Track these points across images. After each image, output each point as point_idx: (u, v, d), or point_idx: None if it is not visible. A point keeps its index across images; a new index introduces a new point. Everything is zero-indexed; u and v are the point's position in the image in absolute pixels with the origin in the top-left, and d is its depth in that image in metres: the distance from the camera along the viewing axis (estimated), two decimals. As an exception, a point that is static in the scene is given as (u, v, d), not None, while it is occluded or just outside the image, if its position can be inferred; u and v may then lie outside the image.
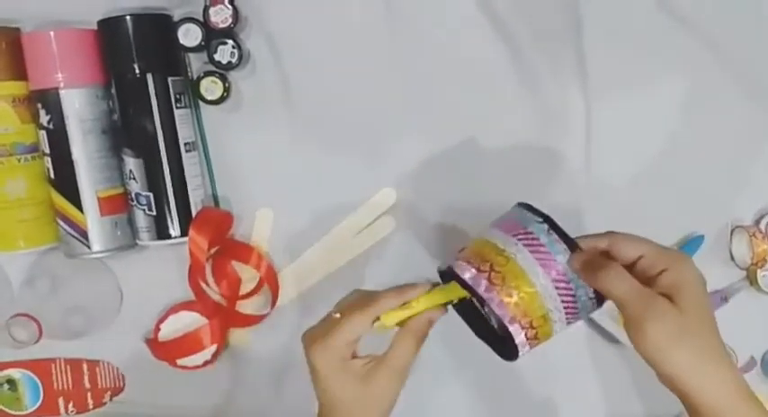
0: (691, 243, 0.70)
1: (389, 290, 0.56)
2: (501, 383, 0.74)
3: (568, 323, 0.54)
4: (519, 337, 0.53)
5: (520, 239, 0.53)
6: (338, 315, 0.56)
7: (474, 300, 0.55)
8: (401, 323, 0.56)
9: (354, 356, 0.56)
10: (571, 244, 0.52)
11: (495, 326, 0.55)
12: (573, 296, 0.53)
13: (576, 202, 0.71)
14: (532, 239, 0.53)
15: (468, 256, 0.55)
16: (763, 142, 0.72)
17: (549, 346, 0.69)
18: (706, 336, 0.50)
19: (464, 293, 0.55)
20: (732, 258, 0.72)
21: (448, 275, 0.56)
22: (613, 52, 0.70)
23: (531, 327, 0.53)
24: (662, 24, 0.70)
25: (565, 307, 0.53)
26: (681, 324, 0.49)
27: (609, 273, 0.51)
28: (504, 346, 0.55)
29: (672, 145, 0.71)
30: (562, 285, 0.52)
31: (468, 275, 0.53)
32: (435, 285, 0.57)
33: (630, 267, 0.52)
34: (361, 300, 0.56)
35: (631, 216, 0.70)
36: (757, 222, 0.72)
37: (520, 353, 0.54)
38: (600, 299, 0.54)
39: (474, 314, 0.59)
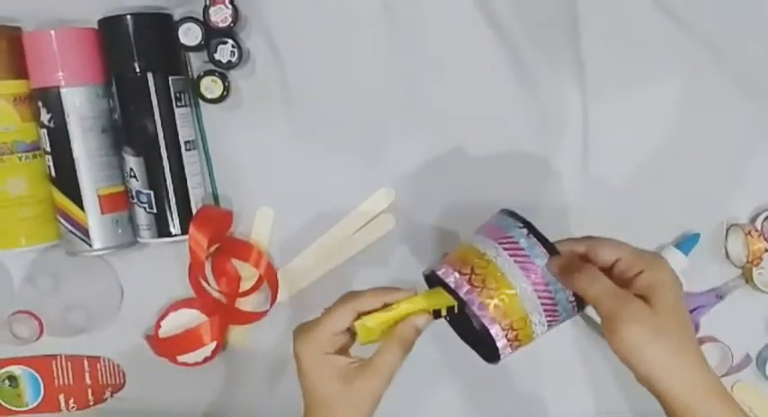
0: (686, 242, 0.71)
1: (372, 289, 0.57)
2: (491, 381, 0.74)
3: (549, 326, 0.55)
4: (499, 339, 0.54)
5: (500, 243, 0.54)
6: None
7: (457, 306, 0.56)
8: (385, 334, 0.56)
9: (341, 353, 0.56)
10: (550, 248, 0.53)
11: (478, 328, 0.56)
12: (552, 298, 0.54)
13: (573, 201, 0.71)
14: (512, 243, 0.54)
15: (451, 260, 0.56)
16: (759, 141, 0.72)
17: (538, 345, 0.70)
18: (680, 337, 0.50)
19: (447, 300, 0.56)
20: (728, 256, 0.73)
21: (432, 278, 0.57)
22: (611, 52, 0.70)
23: (512, 329, 0.54)
24: (659, 24, 0.70)
25: (545, 310, 0.54)
26: (655, 325, 0.49)
27: (584, 275, 0.52)
28: (488, 348, 0.55)
29: (668, 144, 0.71)
30: (541, 288, 0.53)
31: (450, 278, 0.54)
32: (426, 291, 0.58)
33: (609, 270, 0.53)
34: (345, 296, 0.57)
35: (628, 214, 0.70)
36: (753, 220, 0.72)
37: (501, 355, 0.55)
38: (580, 303, 0.54)
39: (461, 319, 0.59)
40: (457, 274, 0.54)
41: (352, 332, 0.57)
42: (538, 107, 0.71)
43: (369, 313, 0.56)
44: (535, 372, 0.74)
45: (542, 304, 0.53)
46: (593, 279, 0.51)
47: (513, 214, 0.56)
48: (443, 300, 0.56)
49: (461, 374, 0.75)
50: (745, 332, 0.74)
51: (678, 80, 0.71)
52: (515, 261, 0.53)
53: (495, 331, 0.53)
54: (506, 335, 0.54)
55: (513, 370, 0.74)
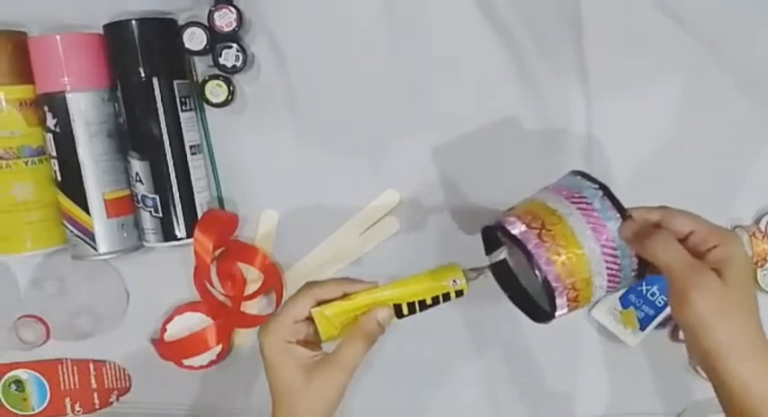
0: (691, 243, 0.71)
1: (333, 278, 0.58)
2: (511, 381, 0.75)
3: (608, 291, 0.55)
4: (560, 297, 0.53)
5: (573, 202, 0.54)
6: None
7: (503, 264, 0.56)
8: (346, 329, 0.57)
9: (305, 347, 0.56)
10: (623, 213, 0.53)
11: (540, 282, 0.54)
12: (618, 264, 0.53)
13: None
14: (586, 203, 0.53)
15: (518, 213, 0.55)
16: (763, 141, 0.72)
17: (555, 342, 0.70)
18: (748, 314, 0.50)
19: (409, 295, 0.56)
20: (732, 257, 0.73)
21: (493, 232, 0.56)
22: (614, 53, 0.70)
23: (574, 289, 0.53)
24: (662, 24, 0.70)
25: (608, 274, 0.53)
26: (726, 298, 0.49)
27: (659, 240, 0.51)
28: (538, 308, 0.55)
29: (672, 145, 0.71)
30: (609, 251, 0.53)
31: (517, 230, 0.54)
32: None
33: (681, 242, 0.52)
34: (306, 284, 0.58)
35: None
36: (757, 221, 0.72)
37: (557, 313, 0.54)
38: (642, 272, 0.54)
39: (509, 278, 0.59)
40: (525, 226, 0.53)
41: (315, 327, 0.57)
42: (542, 108, 0.71)
43: (328, 303, 0.57)
44: (554, 372, 0.74)
45: (607, 268, 0.53)
46: (666, 244, 0.51)
47: (586, 175, 0.56)
48: (404, 295, 0.57)
49: (481, 371, 0.75)
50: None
51: (681, 81, 0.71)
52: (587, 222, 0.53)
53: (557, 287, 0.53)
54: (567, 294, 0.53)
55: (532, 370, 0.75)
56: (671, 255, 0.51)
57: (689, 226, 0.53)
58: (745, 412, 0.49)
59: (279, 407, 0.56)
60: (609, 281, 0.54)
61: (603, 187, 0.54)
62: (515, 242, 0.53)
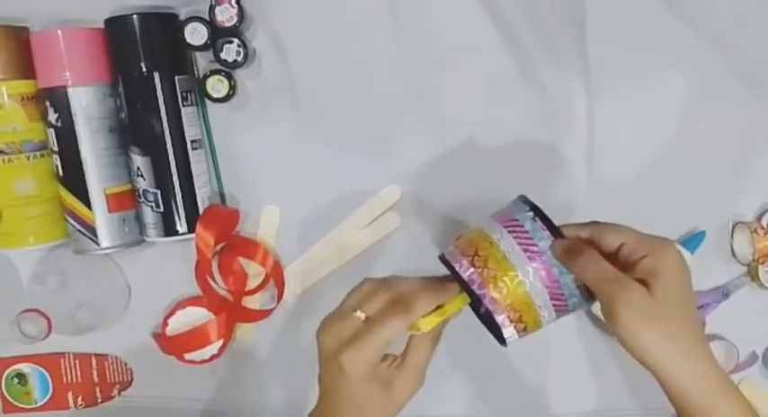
0: (692, 239, 0.71)
1: (422, 293, 0.55)
2: (496, 375, 0.75)
3: (557, 310, 0.55)
4: (502, 320, 0.54)
5: (505, 226, 0.55)
6: (360, 315, 0.55)
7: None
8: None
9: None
10: (555, 232, 0.53)
11: (482, 311, 0.56)
12: (557, 282, 0.53)
13: (578, 199, 0.72)
14: (517, 226, 0.54)
15: (459, 243, 0.57)
16: (766, 139, 0.72)
17: (544, 341, 0.69)
18: (679, 322, 0.50)
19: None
20: (733, 254, 0.73)
21: (443, 259, 0.57)
22: (617, 50, 0.70)
23: (515, 311, 0.54)
24: (665, 21, 0.70)
25: (550, 294, 0.54)
26: (651, 310, 0.49)
27: (583, 259, 0.52)
28: (497, 330, 0.56)
29: (674, 141, 0.71)
30: (545, 271, 0.53)
31: (455, 260, 0.55)
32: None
33: (615, 255, 0.53)
34: (394, 305, 0.55)
35: (633, 212, 0.69)
36: (759, 218, 0.72)
37: (505, 336, 0.55)
38: (589, 289, 0.54)
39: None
40: (461, 256, 0.55)
41: None
42: (543, 105, 0.71)
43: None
44: (540, 368, 0.74)
45: (546, 287, 0.53)
46: (592, 263, 0.51)
47: (525, 199, 0.56)
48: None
49: (466, 367, 0.75)
50: (751, 329, 0.74)
51: (684, 78, 0.71)
52: (519, 244, 0.53)
53: (495, 311, 0.53)
54: (509, 317, 0.54)
55: (518, 365, 0.75)
56: (596, 273, 0.51)
57: (618, 239, 0.53)
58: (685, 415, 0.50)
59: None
60: (553, 301, 0.54)
61: (535, 208, 0.55)
62: (452, 271, 0.55)
